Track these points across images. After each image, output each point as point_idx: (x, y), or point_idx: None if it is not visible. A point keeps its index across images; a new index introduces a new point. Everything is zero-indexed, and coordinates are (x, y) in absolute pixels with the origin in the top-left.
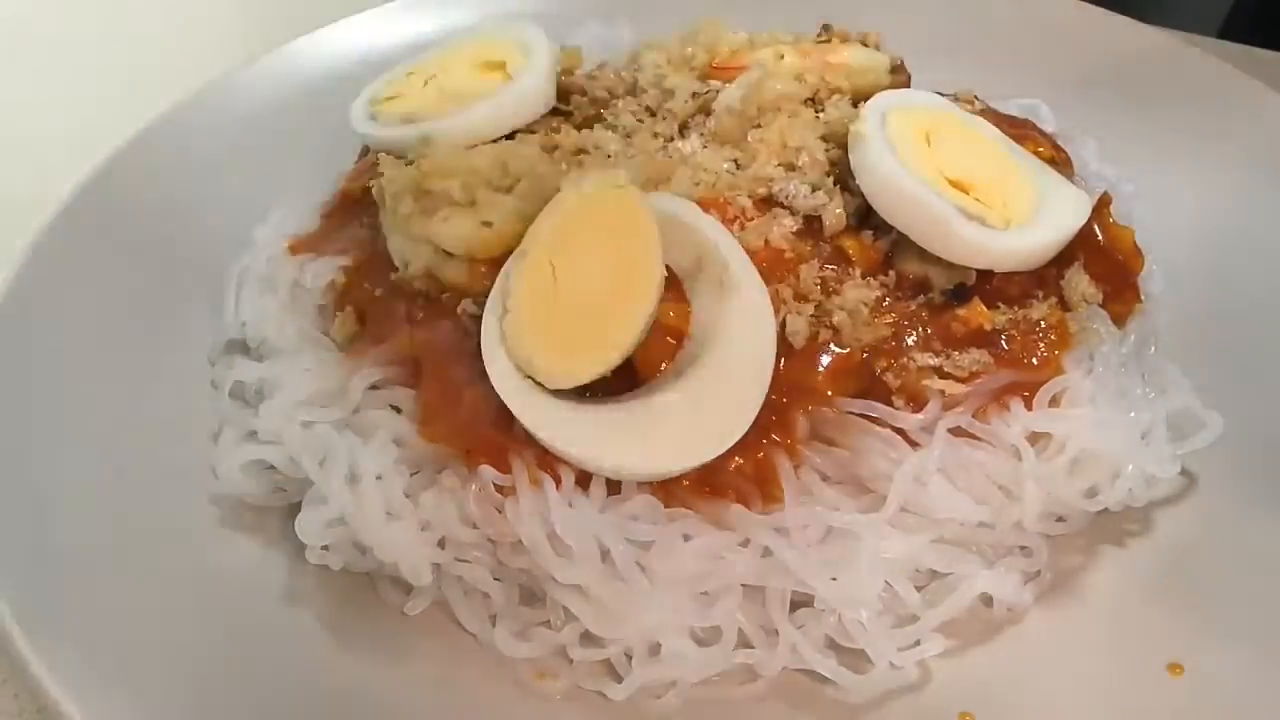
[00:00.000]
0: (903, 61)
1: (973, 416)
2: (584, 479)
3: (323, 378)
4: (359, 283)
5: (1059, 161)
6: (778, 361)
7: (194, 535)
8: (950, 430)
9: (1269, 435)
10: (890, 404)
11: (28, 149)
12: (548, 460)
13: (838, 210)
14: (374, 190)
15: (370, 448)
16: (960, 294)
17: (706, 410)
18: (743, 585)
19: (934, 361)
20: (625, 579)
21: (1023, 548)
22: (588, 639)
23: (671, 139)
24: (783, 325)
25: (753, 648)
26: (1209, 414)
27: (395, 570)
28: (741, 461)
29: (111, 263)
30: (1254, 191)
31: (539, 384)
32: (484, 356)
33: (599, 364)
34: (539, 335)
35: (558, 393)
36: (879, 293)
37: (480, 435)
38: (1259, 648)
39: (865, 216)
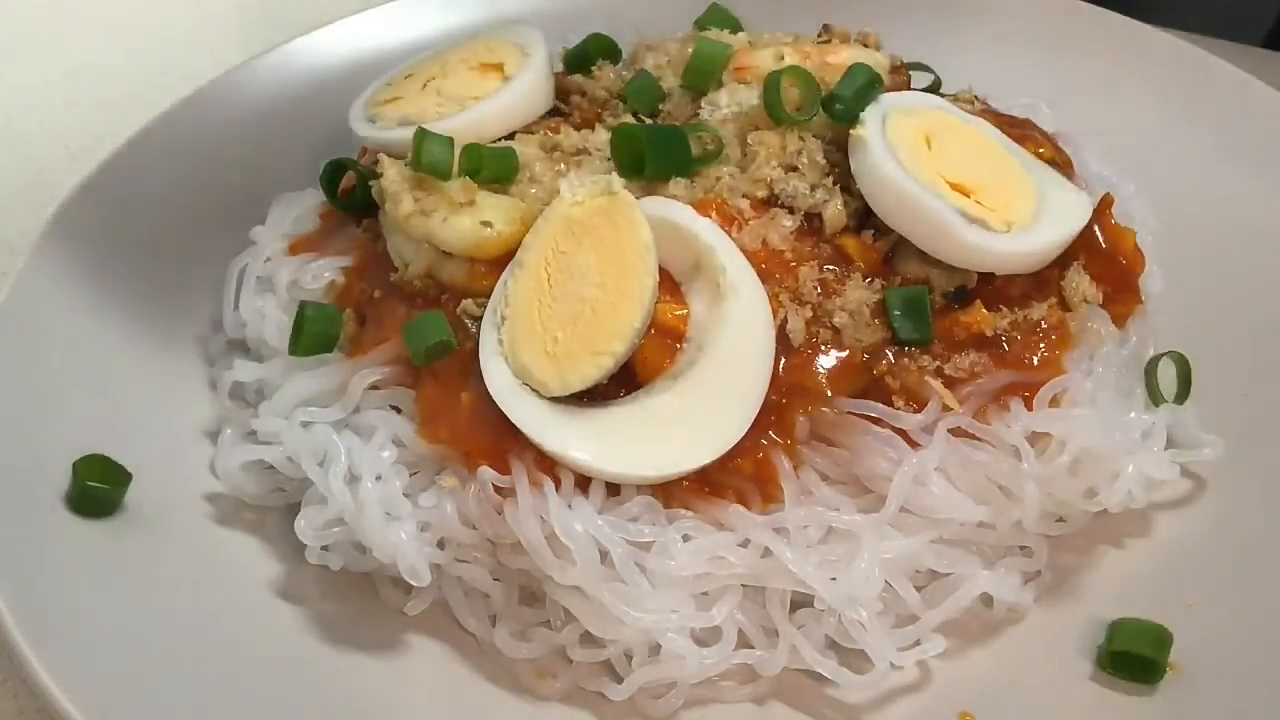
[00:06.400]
0: (902, 62)
1: (973, 417)
2: (583, 480)
3: (322, 378)
4: (358, 283)
5: (1059, 162)
6: (777, 362)
7: (193, 535)
8: (950, 430)
9: (1269, 436)
10: (890, 404)
11: (28, 149)
12: (547, 462)
13: (838, 206)
14: (374, 190)
15: (370, 448)
16: (961, 296)
17: (705, 412)
18: (743, 585)
19: (934, 364)
20: (625, 580)
21: (1023, 548)
22: (587, 639)
23: None
24: (783, 325)
25: (753, 648)
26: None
27: (395, 570)
28: (741, 462)
29: (111, 263)
30: (1255, 191)
31: (537, 392)
32: (482, 368)
33: (595, 370)
34: (535, 344)
35: (556, 398)
36: (880, 295)
37: (479, 436)
38: (1259, 648)
39: (865, 218)
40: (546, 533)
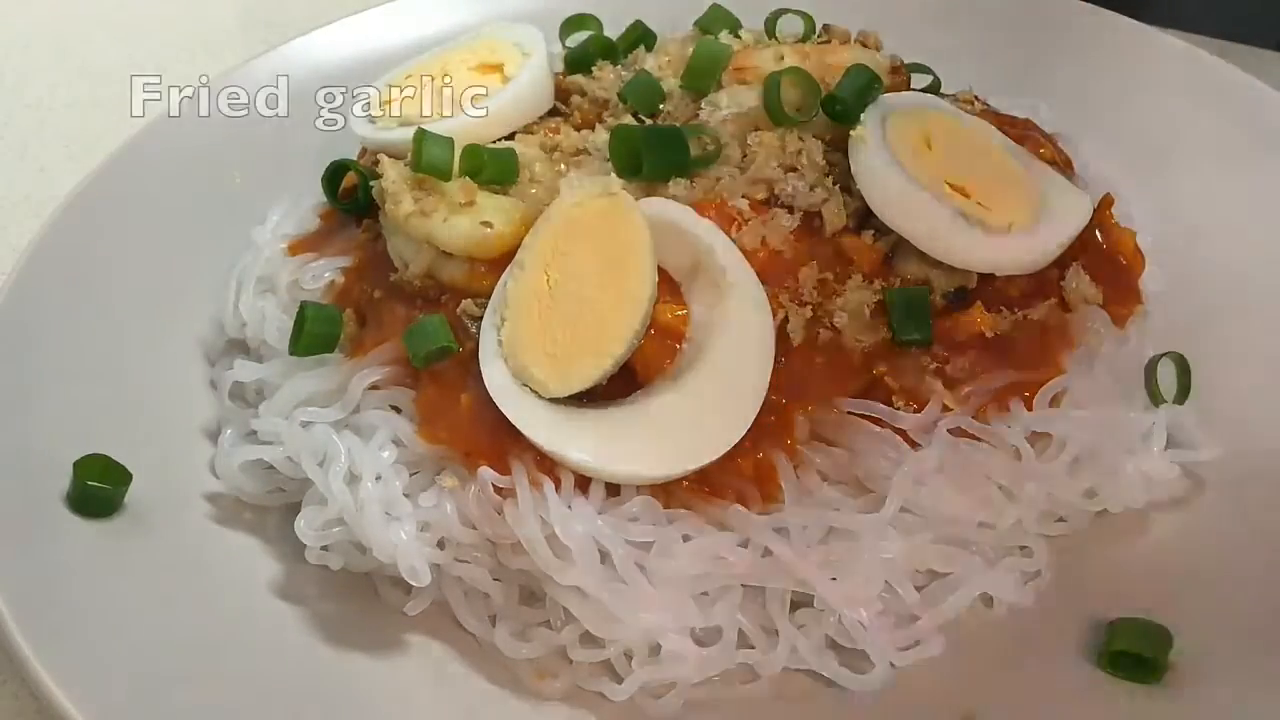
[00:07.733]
0: (902, 62)
1: (973, 416)
2: (583, 481)
3: (322, 378)
4: (358, 284)
5: (1059, 162)
6: (777, 362)
7: (193, 535)
8: (950, 430)
9: (1269, 436)
10: (890, 404)
11: (28, 149)
12: (547, 462)
13: (838, 206)
14: (374, 191)
15: (370, 448)
16: (961, 297)
17: (705, 413)
18: (743, 585)
19: (934, 365)
20: (625, 580)
21: (1023, 548)
22: (588, 639)
23: None
24: (783, 325)
25: (753, 648)
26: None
27: (395, 570)
28: (741, 462)
29: (111, 263)
30: (1256, 191)
31: (537, 392)
32: (481, 368)
33: (594, 371)
34: (535, 345)
35: (556, 398)
36: (880, 295)
37: (479, 437)
38: (1259, 648)
39: (865, 219)
40: (546, 533)
